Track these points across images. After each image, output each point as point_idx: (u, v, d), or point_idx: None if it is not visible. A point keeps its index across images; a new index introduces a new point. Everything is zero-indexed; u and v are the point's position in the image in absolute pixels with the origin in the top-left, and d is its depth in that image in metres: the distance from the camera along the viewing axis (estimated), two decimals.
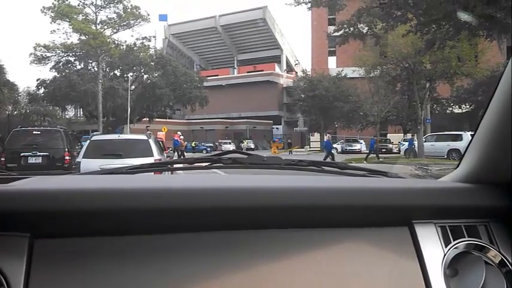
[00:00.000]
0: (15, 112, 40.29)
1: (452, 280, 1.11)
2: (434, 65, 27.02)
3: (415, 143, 28.66)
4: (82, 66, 40.44)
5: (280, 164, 1.55)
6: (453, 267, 1.14)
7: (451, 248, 1.15)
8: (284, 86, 63.30)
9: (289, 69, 68.68)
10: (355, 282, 1.08)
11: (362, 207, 1.15)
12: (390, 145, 39.59)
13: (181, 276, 0.99)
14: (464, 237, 1.18)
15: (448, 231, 1.18)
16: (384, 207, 1.17)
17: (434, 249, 1.14)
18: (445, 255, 1.14)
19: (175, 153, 24.02)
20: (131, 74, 40.36)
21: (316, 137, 49.33)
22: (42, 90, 39.09)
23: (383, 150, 35.67)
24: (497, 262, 1.15)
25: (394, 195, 1.21)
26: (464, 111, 36.34)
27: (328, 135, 30.60)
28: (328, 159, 21.17)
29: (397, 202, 1.19)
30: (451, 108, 38.10)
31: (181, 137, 28.78)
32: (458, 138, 24.47)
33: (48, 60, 38.63)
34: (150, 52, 41.43)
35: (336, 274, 1.07)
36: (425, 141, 27.71)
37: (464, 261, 1.15)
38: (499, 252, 1.16)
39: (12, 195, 0.98)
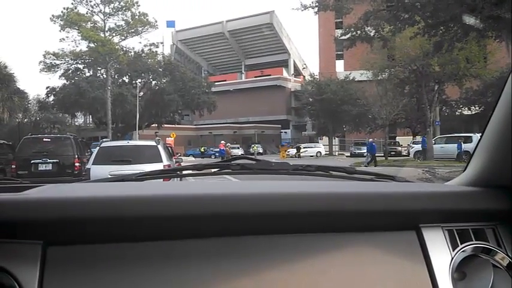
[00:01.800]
0: (26, 120, 40.68)
1: (460, 283, 1.12)
2: (442, 67, 26.87)
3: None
4: (91, 74, 40.73)
5: (288, 169, 1.56)
6: (461, 271, 1.14)
7: (458, 251, 1.15)
8: (292, 90, 63.25)
9: (297, 73, 68.64)
10: (363, 286, 1.08)
11: (369, 212, 1.16)
12: (399, 148, 39.42)
13: (192, 282, 1.00)
14: (472, 240, 1.18)
15: (456, 234, 1.18)
16: (391, 211, 1.18)
17: (442, 253, 1.14)
18: (452, 258, 1.14)
19: None
20: (139, 80, 40.56)
21: (324, 140, 49.20)
22: (51, 98, 39.46)
23: (392, 153, 35.51)
24: (505, 265, 1.14)
25: (402, 199, 1.21)
26: (473, 112, 36.09)
27: (372, 139, 29.03)
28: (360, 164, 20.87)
29: (404, 206, 1.20)
30: (460, 110, 37.84)
31: (228, 144, 29.06)
32: (468, 140, 24.29)
33: (58, 68, 39.00)
34: (158, 58, 41.66)
35: (344, 278, 1.08)
36: (434, 144, 27.54)
37: (472, 264, 1.15)
38: (507, 255, 1.16)
39: (25, 204, 1.00)
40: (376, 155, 35.55)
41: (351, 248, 1.12)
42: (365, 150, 40.81)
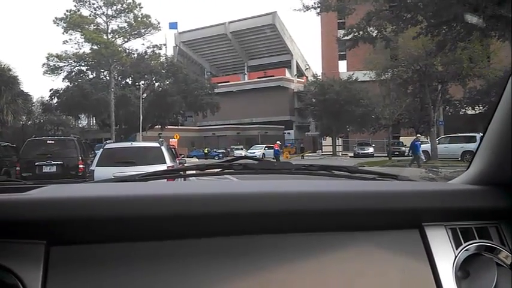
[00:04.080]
0: (30, 122, 40.81)
1: (463, 282, 1.11)
2: (445, 66, 26.79)
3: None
4: (94, 76, 40.83)
5: (291, 169, 1.56)
6: (464, 269, 1.13)
7: (462, 250, 1.15)
8: (295, 90, 63.15)
9: (300, 74, 68.54)
10: (367, 285, 1.08)
11: (372, 211, 1.16)
12: (403, 148, 39.30)
13: (195, 281, 1.00)
14: (475, 238, 1.17)
15: (459, 233, 1.18)
16: (394, 210, 1.18)
17: (445, 252, 1.14)
18: (456, 257, 1.14)
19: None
20: (143, 82, 40.65)
21: (328, 141, 49.14)
22: (55, 100, 39.62)
23: (396, 153, 35.42)
24: (508, 263, 1.14)
25: (404, 198, 1.21)
26: (477, 112, 35.92)
27: (417, 135, 26.31)
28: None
29: (407, 205, 1.19)
30: (464, 110, 37.67)
31: (279, 143, 29.65)
32: (472, 139, 24.20)
33: (61, 70, 39.08)
34: (161, 60, 41.70)
35: (347, 277, 1.08)
36: (438, 144, 27.47)
37: (476, 263, 1.15)
38: (511, 253, 1.16)
39: (28, 204, 1.00)
40: (380, 155, 35.41)
41: (354, 246, 1.12)
42: (369, 151, 40.89)
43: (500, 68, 27.43)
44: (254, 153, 40.93)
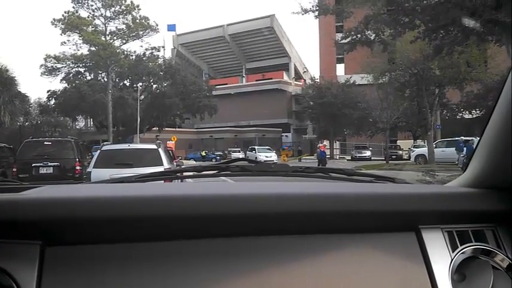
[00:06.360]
0: (27, 123, 40.72)
1: (459, 285, 1.11)
2: (443, 70, 26.91)
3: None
4: (92, 77, 40.84)
5: (288, 171, 1.56)
6: (460, 272, 1.13)
7: (458, 253, 1.15)
8: (293, 93, 63.16)
9: (298, 77, 68.57)
10: (363, 287, 1.08)
11: (369, 213, 1.16)
12: (400, 151, 39.38)
13: (191, 283, 1.00)
14: (472, 242, 1.17)
15: (455, 236, 1.18)
16: (390, 212, 1.18)
17: (441, 255, 1.14)
18: (452, 260, 1.13)
19: (320, 164, 22.96)
20: (140, 84, 40.64)
21: (325, 144, 49.14)
22: (53, 101, 39.60)
23: (393, 156, 35.47)
24: (505, 267, 1.14)
25: (401, 200, 1.21)
26: (474, 116, 36.02)
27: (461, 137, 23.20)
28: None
29: (403, 208, 1.19)
30: (461, 114, 37.78)
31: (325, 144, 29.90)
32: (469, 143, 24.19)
33: (59, 71, 39.13)
34: (159, 62, 41.76)
35: (343, 280, 1.07)
36: (435, 147, 27.54)
37: (472, 266, 1.14)
38: (507, 256, 1.16)
39: (23, 204, 1.00)
40: (377, 158, 35.36)
41: (350, 249, 1.12)
42: (366, 155, 40.84)
43: (497, 72, 27.54)
44: (271, 157, 38.55)
